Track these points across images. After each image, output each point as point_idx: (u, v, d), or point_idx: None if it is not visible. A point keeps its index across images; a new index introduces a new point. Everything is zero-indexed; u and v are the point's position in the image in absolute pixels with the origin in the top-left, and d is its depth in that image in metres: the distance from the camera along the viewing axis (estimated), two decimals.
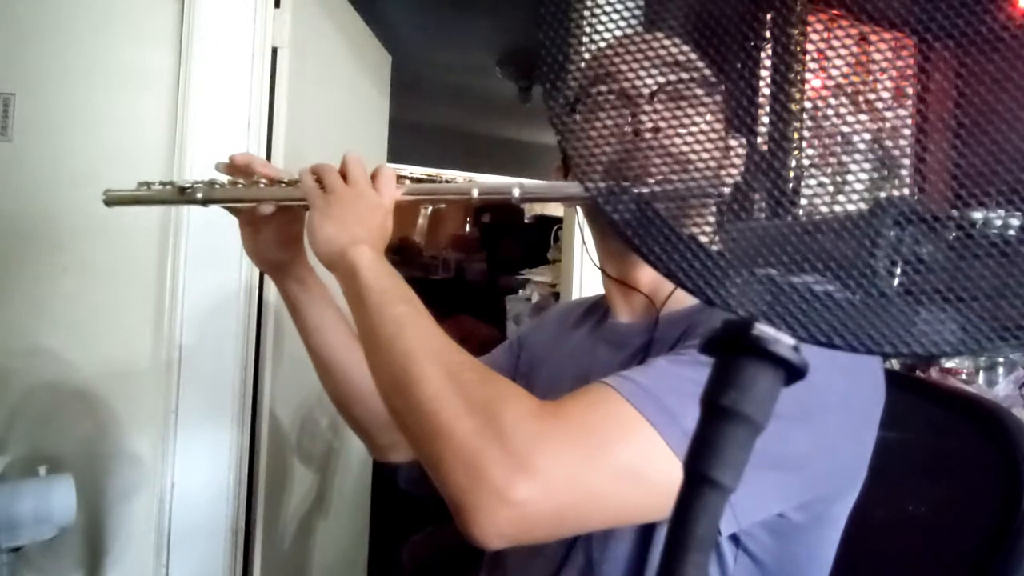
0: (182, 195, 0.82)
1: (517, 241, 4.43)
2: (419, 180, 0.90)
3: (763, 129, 0.33)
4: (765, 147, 0.33)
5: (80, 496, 1.13)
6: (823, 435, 0.59)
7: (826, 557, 0.68)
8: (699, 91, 0.64)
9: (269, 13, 1.49)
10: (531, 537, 0.60)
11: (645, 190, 0.34)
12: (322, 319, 0.91)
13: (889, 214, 0.26)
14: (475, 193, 0.77)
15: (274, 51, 1.51)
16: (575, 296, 1.75)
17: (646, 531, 0.66)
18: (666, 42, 0.35)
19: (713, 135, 0.34)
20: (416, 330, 0.66)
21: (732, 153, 0.64)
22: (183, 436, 1.41)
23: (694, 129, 0.33)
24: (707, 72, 0.63)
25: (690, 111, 0.35)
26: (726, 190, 0.37)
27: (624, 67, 0.36)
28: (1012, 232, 0.25)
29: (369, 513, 2.26)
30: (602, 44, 0.36)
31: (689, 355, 0.61)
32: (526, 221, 4.77)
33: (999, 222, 0.25)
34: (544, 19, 0.33)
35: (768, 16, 0.31)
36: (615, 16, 0.34)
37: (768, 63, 0.32)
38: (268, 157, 1.49)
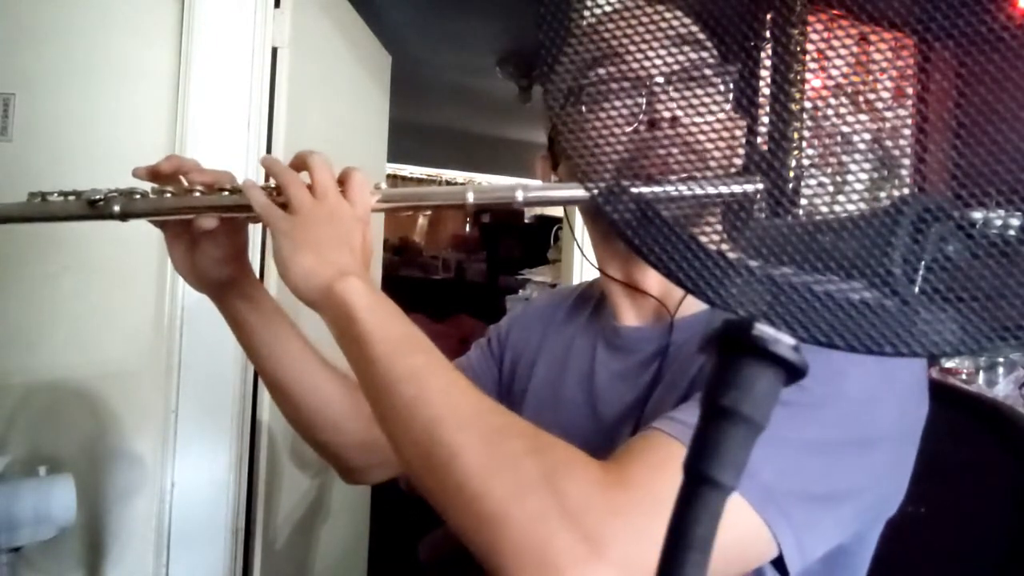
0: (92, 209, 0.69)
1: (517, 241, 4.45)
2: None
3: (763, 129, 0.32)
4: (765, 147, 0.32)
5: (80, 496, 1.13)
6: (879, 463, 0.56)
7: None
8: (708, 72, 0.55)
9: (269, 13, 1.49)
10: None
11: (660, 189, 0.31)
12: (276, 340, 0.78)
13: (905, 215, 0.26)
14: (470, 198, 0.64)
15: (274, 51, 1.51)
16: None
17: None
18: (669, 16, 0.32)
19: (729, 123, 0.32)
20: (442, 389, 0.54)
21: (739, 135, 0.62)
22: (183, 436, 1.41)
23: (720, 116, 0.31)
24: (715, 52, 0.55)
25: (705, 97, 0.33)
26: (744, 188, 0.34)
27: (631, 45, 0.32)
28: (1012, 232, 0.25)
29: (369, 513, 2.26)
30: (600, 17, 0.32)
31: None
32: (526, 221, 4.78)
33: (999, 222, 0.25)
34: (544, 19, 0.33)
35: (768, 16, 0.31)
36: (615, 17, 0.34)
37: (768, 63, 0.31)
38: None
